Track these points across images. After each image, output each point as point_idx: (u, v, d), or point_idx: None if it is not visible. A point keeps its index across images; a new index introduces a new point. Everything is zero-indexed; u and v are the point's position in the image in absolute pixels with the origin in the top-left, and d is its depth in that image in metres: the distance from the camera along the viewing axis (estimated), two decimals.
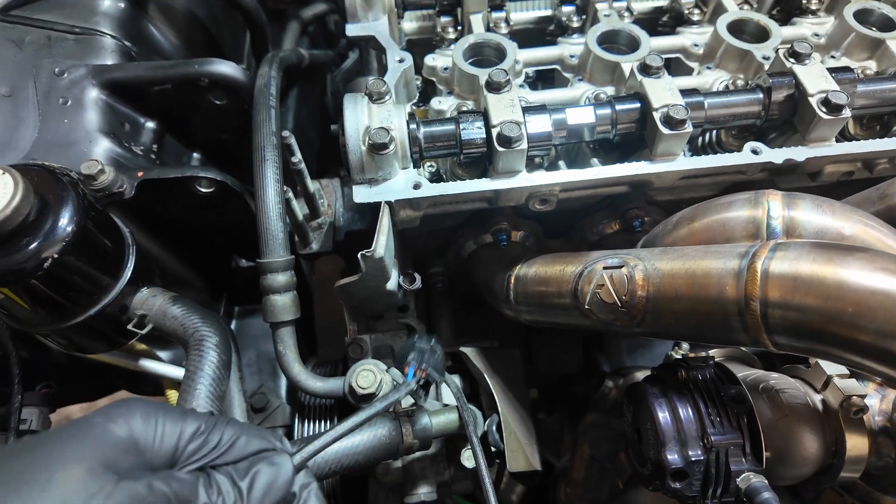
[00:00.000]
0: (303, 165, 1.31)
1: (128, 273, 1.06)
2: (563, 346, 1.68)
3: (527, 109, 1.13)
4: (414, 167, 1.15)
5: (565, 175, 1.13)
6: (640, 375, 1.44)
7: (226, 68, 1.42)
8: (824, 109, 1.12)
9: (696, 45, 1.46)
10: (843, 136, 1.32)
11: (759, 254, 0.79)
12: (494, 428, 1.21)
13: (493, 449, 1.20)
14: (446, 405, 1.23)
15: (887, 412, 0.93)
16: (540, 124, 1.12)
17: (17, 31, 1.31)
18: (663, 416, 0.92)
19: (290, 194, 1.29)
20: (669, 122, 1.08)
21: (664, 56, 1.22)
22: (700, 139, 1.38)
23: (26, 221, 0.87)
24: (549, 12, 1.58)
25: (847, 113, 1.11)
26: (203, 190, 1.27)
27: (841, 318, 0.69)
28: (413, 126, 1.11)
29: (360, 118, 1.07)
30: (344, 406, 1.27)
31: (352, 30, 1.36)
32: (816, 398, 0.94)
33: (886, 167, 1.23)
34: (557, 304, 1.12)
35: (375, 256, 1.01)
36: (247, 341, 1.51)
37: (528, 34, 1.62)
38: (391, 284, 1.14)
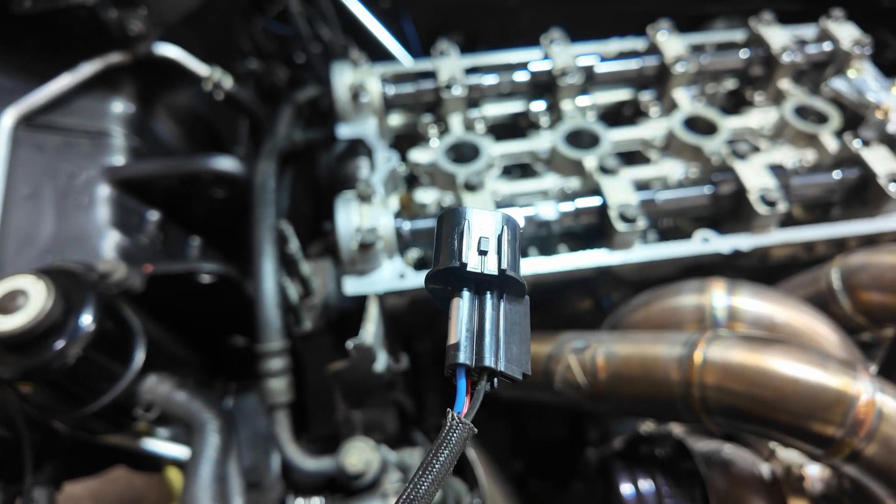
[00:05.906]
0: (299, 254, 1.43)
1: (138, 362, 1.16)
2: (550, 412, 1.76)
3: (500, 206, 1.26)
4: (400, 255, 1.27)
5: (530, 267, 1.26)
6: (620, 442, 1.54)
7: (227, 164, 1.55)
8: (762, 204, 1.26)
9: (654, 138, 1.62)
10: (788, 217, 1.47)
11: (698, 344, 0.91)
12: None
13: None
14: None
15: (827, 479, 1.03)
16: None
17: (39, 137, 1.44)
18: (627, 490, 1.02)
19: (287, 280, 1.40)
20: (624, 218, 1.22)
21: (626, 146, 1.34)
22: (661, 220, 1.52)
23: (54, 323, 0.97)
24: (522, 108, 1.74)
25: (781, 208, 1.25)
26: (205, 281, 1.38)
27: (764, 401, 0.81)
28: (399, 223, 1.24)
29: (350, 219, 1.20)
30: (335, 479, 1.34)
31: (343, 132, 1.50)
32: (763, 467, 1.05)
33: (823, 250, 1.37)
34: (532, 383, 1.22)
35: (365, 345, 1.12)
36: (243, 417, 1.59)
37: (504, 126, 1.78)
38: (379, 366, 1.24)
